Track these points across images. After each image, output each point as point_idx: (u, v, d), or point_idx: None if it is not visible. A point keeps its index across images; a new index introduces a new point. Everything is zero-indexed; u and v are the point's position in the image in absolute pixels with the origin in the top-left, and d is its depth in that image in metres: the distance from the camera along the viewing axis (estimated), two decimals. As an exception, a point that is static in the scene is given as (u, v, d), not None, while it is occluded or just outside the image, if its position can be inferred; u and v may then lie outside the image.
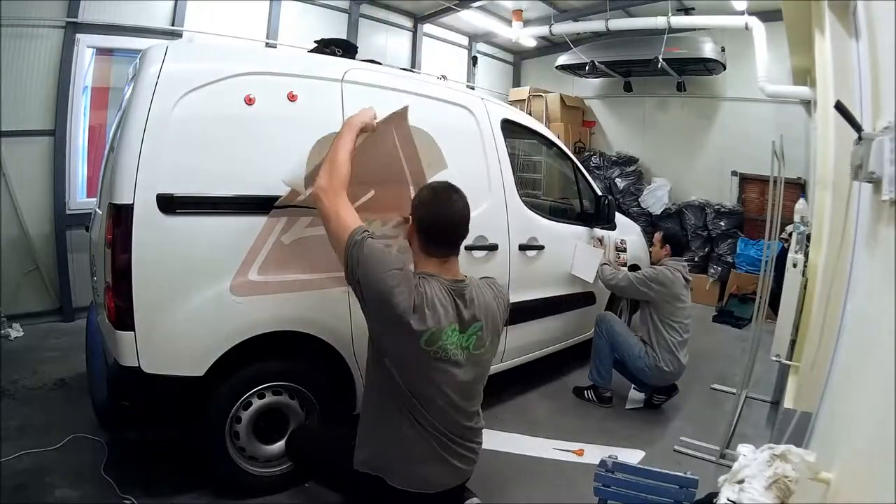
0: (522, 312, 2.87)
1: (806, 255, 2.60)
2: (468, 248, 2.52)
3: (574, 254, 3.19)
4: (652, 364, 2.91)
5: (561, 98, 6.94)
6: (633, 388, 3.16)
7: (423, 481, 1.63)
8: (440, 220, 1.66)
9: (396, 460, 1.63)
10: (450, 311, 1.59)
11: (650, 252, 3.44)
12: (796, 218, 2.94)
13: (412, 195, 1.82)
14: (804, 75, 4.40)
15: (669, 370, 2.92)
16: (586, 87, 7.44)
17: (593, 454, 2.47)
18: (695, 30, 5.79)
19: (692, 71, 6.15)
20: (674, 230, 3.43)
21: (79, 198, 3.92)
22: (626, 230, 3.88)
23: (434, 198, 1.69)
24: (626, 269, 3.36)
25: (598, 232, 3.48)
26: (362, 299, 1.59)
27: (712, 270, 5.89)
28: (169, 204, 1.73)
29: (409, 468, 1.62)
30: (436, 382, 1.59)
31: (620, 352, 2.99)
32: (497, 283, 1.83)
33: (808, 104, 4.92)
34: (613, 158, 6.81)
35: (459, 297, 1.62)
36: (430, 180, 1.93)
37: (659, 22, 5.52)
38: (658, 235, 3.23)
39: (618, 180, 6.63)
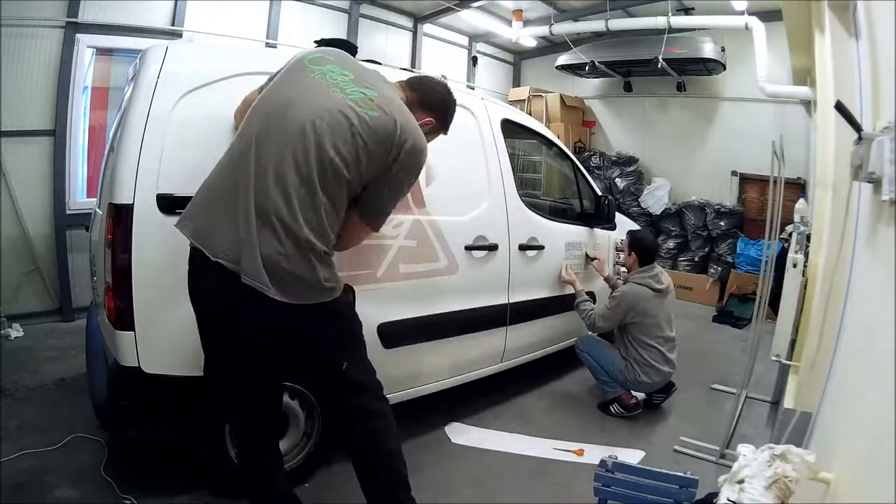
0: (522, 312, 2.88)
1: (806, 255, 2.60)
2: (468, 248, 2.52)
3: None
4: (633, 378, 2.91)
5: (561, 98, 6.94)
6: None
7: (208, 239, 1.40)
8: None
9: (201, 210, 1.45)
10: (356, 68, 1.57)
11: (620, 256, 3.37)
12: (796, 218, 2.94)
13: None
14: (804, 75, 4.40)
15: (652, 381, 2.92)
16: (586, 87, 7.43)
17: (593, 454, 2.47)
18: (695, 30, 5.79)
19: (692, 71, 6.15)
20: (641, 235, 3.20)
21: (79, 198, 3.92)
22: (627, 230, 3.87)
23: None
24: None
25: (599, 232, 3.48)
26: None
27: (712, 270, 5.89)
28: (169, 204, 1.72)
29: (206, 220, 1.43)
30: (283, 101, 1.45)
31: (603, 365, 2.99)
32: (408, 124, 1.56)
33: (808, 104, 4.92)
34: (613, 158, 6.81)
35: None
36: None
37: (659, 22, 5.52)
38: (625, 240, 3.12)
39: (618, 180, 6.63)
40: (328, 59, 1.57)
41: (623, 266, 3.64)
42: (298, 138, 1.40)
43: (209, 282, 1.45)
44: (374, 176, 1.50)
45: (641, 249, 3.04)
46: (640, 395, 3.05)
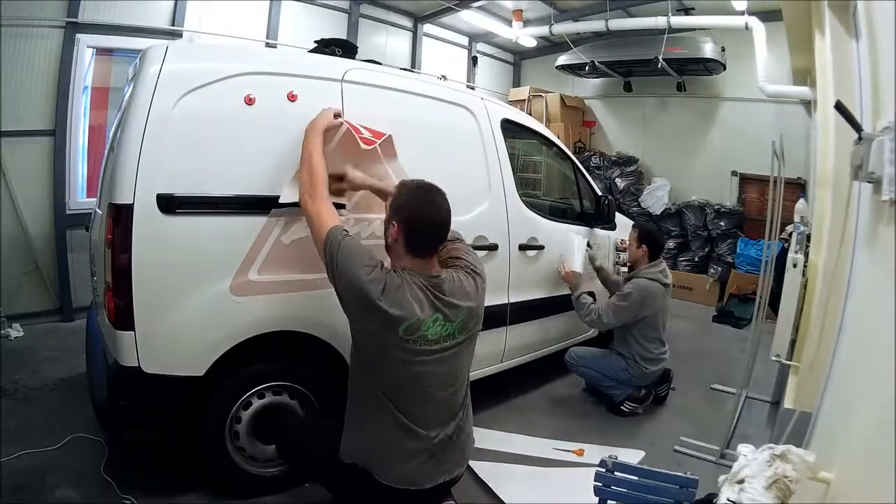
0: (522, 312, 2.88)
1: (806, 255, 2.60)
2: (468, 248, 2.52)
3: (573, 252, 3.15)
4: (639, 373, 2.92)
5: (561, 98, 6.95)
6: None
7: (408, 479, 1.63)
8: (425, 221, 1.64)
9: (384, 456, 1.63)
10: (425, 304, 1.59)
11: (626, 251, 3.31)
12: (796, 218, 2.94)
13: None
14: (804, 75, 4.40)
15: (657, 369, 2.98)
16: (586, 87, 7.44)
17: (593, 454, 2.47)
18: (695, 30, 5.79)
19: (692, 71, 6.15)
20: (651, 228, 3.24)
21: (79, 198, 3.91)
22: (627, 230, 3.87)
23: (419, 199, 1.65)
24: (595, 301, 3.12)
25: (599, 232, 3.48)
26: (340, 296, 1.61)
27: (712, 270, 5.89)
28: (169, 204, 1.73)
29: (397, 465, 1.63)
30: (418, 375, 1.60)
31: (602, 372, 2.98)
32: (475, 267, 1.80)
33: (808, 104, 4.92)
34: (613, 158, 6.81)
35: (437, 290, 1.63)
36: None
37: (659, 22, 5.52)
38: (634, 233, 3.07)
39: (618, 180, 6.63)
40: (421, 320, 1.58)
41: (623, 266, 3.64)
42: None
43: None
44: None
45: (653, 242, 3.03)
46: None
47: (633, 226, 3.22)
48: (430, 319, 1.59)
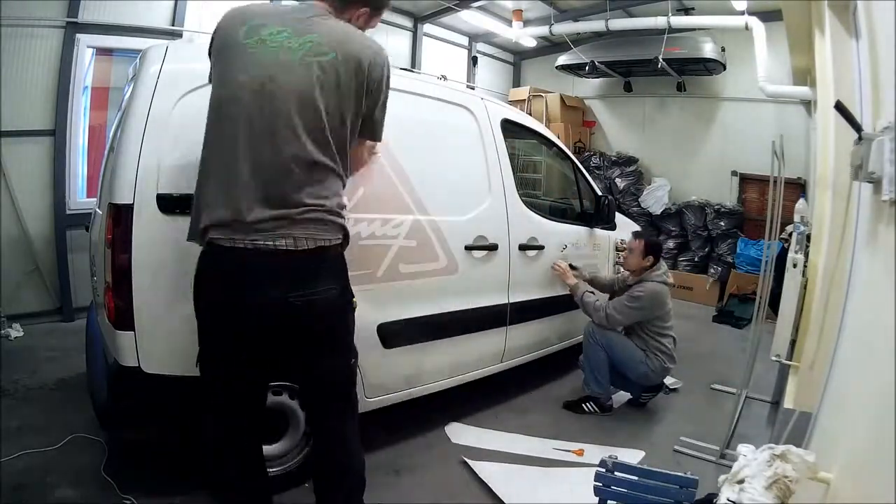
0: (522, 312, 2.88)
1: (806, 255, 2.60)
2: (468, 248, 2.52)
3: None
4: (658, 366, 2.90)
5: (561, 98, 6.95)
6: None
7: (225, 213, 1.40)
8: None
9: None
10: (285, 18, 1.46)
11: (625, 258, 3.20)
12: (796, 218, 2.94)
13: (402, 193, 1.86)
14: (804, 75, 4.40)
15: (671, 367, 2.98)
16: (586, 87, 7.44)
17: (593, 454, 2.48)
18: (695, 30, 5.79)
19: (692, 71, 6.15)
20: (654, 239, 3.44)
21: (79, 198, 3.91)
22: (627, 230, 3.87)
23: None
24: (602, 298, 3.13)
25: (599, 232, 3.48)
26: None
27: (712, 270, 5.89)
28: (169, 204, 1.73)
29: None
30: (248, 70, 1.41)
31: (619, 360, 2.91)
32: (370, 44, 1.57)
33: (808, 104, 4.92)
34: (613, 158, 6.81)
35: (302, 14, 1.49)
36: None
37: (659, 22, 5.53)
38: (639, 244, 3.02)
39: (618, 180, 6.63)
40: (259, 24, 1.45)
41: (625, 268, 3.64)
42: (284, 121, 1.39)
43: None
44: (361, 106, 1.51)
45: (657, 250, 3.07)
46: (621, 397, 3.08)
47: (636, 235, 3.19)
48: (276, 26, 1.43)
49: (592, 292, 3.06)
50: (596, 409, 2.99)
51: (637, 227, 4.16)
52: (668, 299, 2.99)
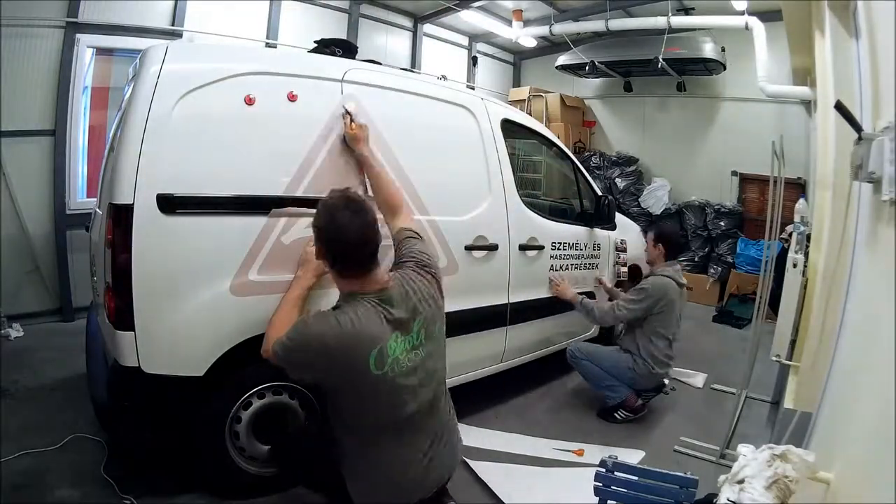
0: (522, 312, 2.88)
1: (806, 255, 2.60)
2: (468, 248, 2.52)
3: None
4: (645, 372, 2.87)
5: (561, 98, 6.95)
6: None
7: (420, 490, 1.65)
8: (342, 243, 1.55)
9: (392, 482, 1.63)
10: (383, 323, 1.56)
11: (645, 251, 3.26)
12: (796, 218, 2.94)
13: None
14: (804, 75, 4.40)
15: (662, 372, 2.93)
16: (586, 87, 7.44)
17: (593, 454, 2.48)
18: (695, 30, 5.79)
19: (692, 71, 6.15)
20: (669, 229, 3.24)
21: (79, 198, 3.92)
22: (627, 230, 3.87)
23: (331, 221, 1.56)
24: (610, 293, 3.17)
25: (599, 232, 3.48)
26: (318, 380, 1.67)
27: (712, 270, 5.89)
28: (169, 204, 1.72)
29: (405, 484, 1.63)
30: (403, 400, 1.59)
31: (607, 368, 2.92)
32: (422, 257, 1.75)
33: (808, 104, 4.92)
34: (613, 158, 6.81)
35: (388, 304, 1.58)
36: None
37: (659, 22, 5.53)
38: (649, 237, 3.06)
39: (618, 180, 6.63)
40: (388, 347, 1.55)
41: (623, 266, 3.64)
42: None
43: None
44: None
45: (670, 242, 3.01)
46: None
47: (655, 224, 3.19)
48: (391, 340, 1.56)
49: (589, 294, 3.05)
50: (628, 413, 2.91)
51: (637, 227, 4.16)
52: (675, 296, 2.90)
